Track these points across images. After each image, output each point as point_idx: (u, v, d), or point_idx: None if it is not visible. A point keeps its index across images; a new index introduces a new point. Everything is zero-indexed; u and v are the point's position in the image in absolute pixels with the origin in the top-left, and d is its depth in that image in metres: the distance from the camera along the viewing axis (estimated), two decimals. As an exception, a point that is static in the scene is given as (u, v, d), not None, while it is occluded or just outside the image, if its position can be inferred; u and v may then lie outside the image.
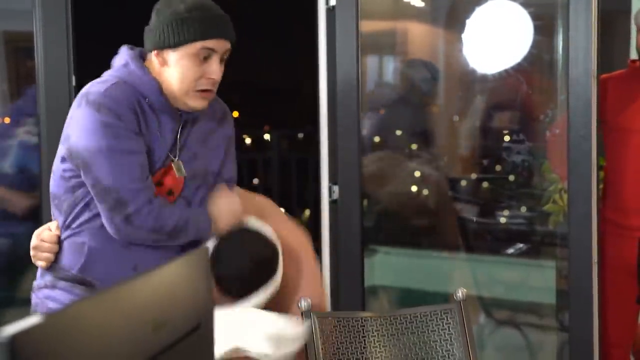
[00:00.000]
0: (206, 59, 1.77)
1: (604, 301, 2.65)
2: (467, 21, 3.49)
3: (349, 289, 2.89)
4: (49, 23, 2.73)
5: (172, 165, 1.80)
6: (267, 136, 6.50)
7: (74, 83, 2.77)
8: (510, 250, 4.12)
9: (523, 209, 4.03)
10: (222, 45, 1.79)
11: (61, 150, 1.81)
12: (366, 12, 3.03)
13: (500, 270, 4.27)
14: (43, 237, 1.83)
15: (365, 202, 3.39)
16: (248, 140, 6.72)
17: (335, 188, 2.89)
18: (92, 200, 1.77)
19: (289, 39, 6.74)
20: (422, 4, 4.44)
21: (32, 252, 1.84)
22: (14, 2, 3.41)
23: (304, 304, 1.89)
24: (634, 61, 2.86)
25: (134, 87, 1.76)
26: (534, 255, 4.10)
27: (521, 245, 4.08)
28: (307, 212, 6.26)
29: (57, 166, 1.83)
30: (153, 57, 1.80)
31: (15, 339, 0.72)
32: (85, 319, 0.82)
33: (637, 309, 2.82)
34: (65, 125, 1.80)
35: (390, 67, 4.67)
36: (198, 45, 1.75)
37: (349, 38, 2.84)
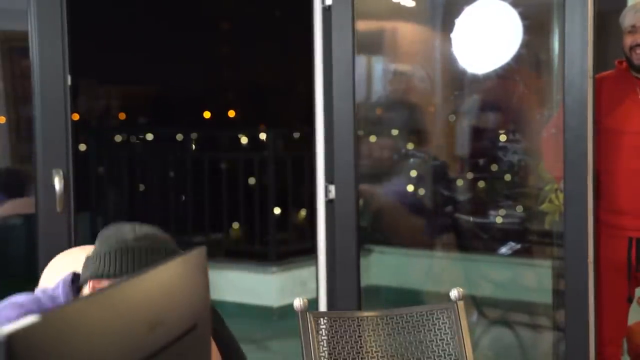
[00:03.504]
0: None
1: (597, 300, 2.66)
2: (464, 22, 3.50)
3: (345, 289, 2.89)
4: (44, 22, 2.73)
5: None
6: (263, 135, 6.50)
7: (69, 82, 2.77)
8: (506, 250, 4.13)
9: (519, 209, 4.04)
10: None
11: None
12: (362, 12, 3.03)
13: (495, 270, 4.28)
14: None
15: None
16: (244, 140, 6.72)
17: (332, 187, 2.89)
18: None
19: (285, 38, 6.74)
20: (418, 4, 4.44)
21: None
22: (9, 1, 3.40)
23: (298, 302, 1.89)
24: (620, 62, 2.87)
25: None
26: (530, 255, 4.11)
27: (518, 244, 4.09)
28: (303, 212, 6.26)
29: None
30: (85, 290, 1.57)
31: (11, 338, 0.72)
32: (81, 319, 0.82)
33: (628, 307, 2.84)
34: None
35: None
36: None
37: (345, 37, 2.84)
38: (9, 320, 1.55)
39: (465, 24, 3.49)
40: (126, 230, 1.57)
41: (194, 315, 1.05)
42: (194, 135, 6.58)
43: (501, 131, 4.07)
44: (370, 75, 4.50)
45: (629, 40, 2.76)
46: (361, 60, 4.16)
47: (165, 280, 1.00)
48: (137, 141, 6.89)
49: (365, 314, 1.98)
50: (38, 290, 1.67)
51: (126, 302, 0.90)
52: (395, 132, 4.42)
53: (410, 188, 4.38)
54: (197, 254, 1.09)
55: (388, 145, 4.35)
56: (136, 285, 0.94)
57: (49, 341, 0.76)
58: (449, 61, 4.07)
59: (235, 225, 6.08)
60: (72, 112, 2.80)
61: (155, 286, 0.98)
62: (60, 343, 0.78)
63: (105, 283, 1.54)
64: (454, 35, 3.54)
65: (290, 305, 1.93)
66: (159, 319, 0.96)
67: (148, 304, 0.95)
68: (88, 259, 1.59)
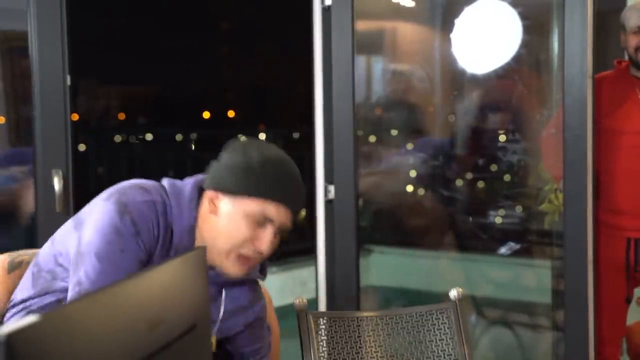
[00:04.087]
0: (261, 225, 1.54)
1: (597, 300, 2.66)
2: (464, 22, 3.50)
3: (345, 289, 2.89)
4: (44, 22, 2.73)
5: None
6: (262, 135, 6.50)
7: (68, 82, 2.77)
8: (505, 250, 4.13)
9: (519, 209, 4.04)
10: (282, 216, 1.55)
11: (68, 230, 1.58)
12: (362, 12, 3.03)
13: (495, 270, 4.28)
14: None
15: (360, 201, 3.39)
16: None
17: (331, 188, 2.90)
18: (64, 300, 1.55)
19: (285, 38, 6.75)
20: (418, 4, 4.44)
21: None
22: (9, 1, 3.40)
23: (298, 302, 1.89)
24: (619, 62, 2.86)
25: (167, 215, 1.54)
26: (529, 255, 4.11)
27: (517, 244, 4.09)
28: (303, 212, 6.26)
29: (60, 242, 1.59)
30: (205, 199, 1.57)
31: (10, 338, 0.72)
32: (81, 318, 0.82)
33: (627, 307, 2.84)
34: (88, 206, 1.59)
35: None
36: (258, 205, 1.52)
37: (345, 38, 2.84)
38: (134, 200, 1.52)
39: (465, 24, 3.49)
40: (254, 149, 1.56)
41: (193, 315, 1.05)
42: (193, 135, 6.58)
43: (501, 131, 4.07)
44: (370, 75, 4.50)
45: (634, 41, 2.74)
46: (361, 60, 4.16)
47: (165, 280, 1.01)
48: (137, 141, 6.89)
49: (365, 314, 1.98)
50: (165, 180, 1.62)
51: (126, 301, 0.90)
52: (395, 132, 4.43)
53: (409, 188, 4.38)
54: (197, 254, 1.09)
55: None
56: (136, 285, 0.94)
57: (49, 341, 0.76)
58: (449, 61, 4.07)
59: (235, 225, 6.07)
60: (72, 112, 2.80)
61: (155, 286, 0.98)
62: (60, 343, 0.78)
63: (221, 198, 1.54)
64: (453, 35, 3.54)
65: (290, 305, 1.93)
66: (159, 318, 0.96)
67: (148, 303, 0.95)
68: (213, 164, 1.58)
